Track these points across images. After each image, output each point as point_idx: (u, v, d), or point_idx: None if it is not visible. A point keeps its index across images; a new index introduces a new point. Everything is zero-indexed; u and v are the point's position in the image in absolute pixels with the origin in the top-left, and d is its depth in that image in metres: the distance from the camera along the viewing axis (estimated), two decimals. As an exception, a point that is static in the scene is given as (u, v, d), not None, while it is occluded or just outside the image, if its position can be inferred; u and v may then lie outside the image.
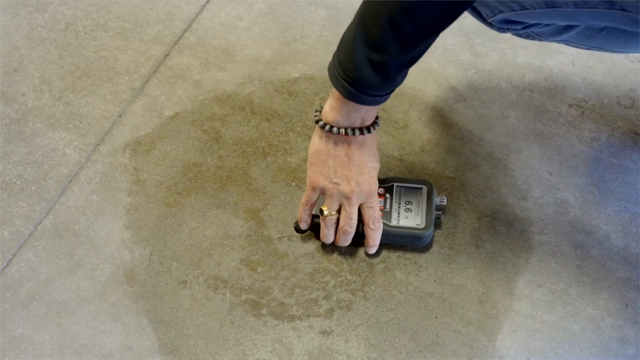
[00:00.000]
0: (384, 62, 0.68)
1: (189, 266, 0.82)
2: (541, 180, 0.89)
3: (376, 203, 0.79)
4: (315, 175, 0.78)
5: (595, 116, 0.96)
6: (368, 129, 0.75)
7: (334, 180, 0.77)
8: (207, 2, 1.09)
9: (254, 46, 1.04)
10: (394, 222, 0.81)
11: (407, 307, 0.79)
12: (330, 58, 0.73)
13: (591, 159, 0.92)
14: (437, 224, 0.84)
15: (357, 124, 0.74)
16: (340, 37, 0.71)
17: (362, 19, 0.67)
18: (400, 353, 0.76)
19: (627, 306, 0.79)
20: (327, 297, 0.80)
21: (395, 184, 0.84)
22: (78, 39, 1.04)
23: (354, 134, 0.74)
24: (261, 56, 1.02)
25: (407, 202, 0.83)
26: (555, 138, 0.94)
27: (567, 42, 0.85)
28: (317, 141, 0.77)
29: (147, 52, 1.03)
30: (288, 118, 0.95)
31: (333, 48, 0.73)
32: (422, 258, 0.82)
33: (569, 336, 0.77)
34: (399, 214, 0.82)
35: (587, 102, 0.97)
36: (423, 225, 0.81)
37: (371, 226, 0.79)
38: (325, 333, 0.77)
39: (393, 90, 0.73)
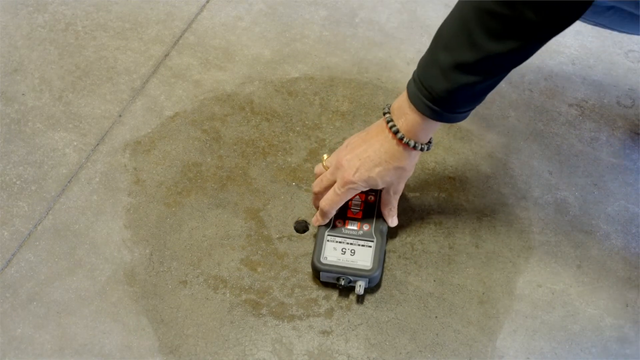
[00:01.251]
0: (472, 61, 0.65)
1: (189, 266, 0.82)
2: (541, 180, 0.89)
3: (342, 192, 0.76)
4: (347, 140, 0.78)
5: (595, 116, 0.96)
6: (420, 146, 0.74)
7: (349, 146, 0.76)
8: (207, 2, 1.09)
9: (254, 46, 1.04)
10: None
11: (407, 307, 0.79)
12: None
13: (591, 159, 0.92)
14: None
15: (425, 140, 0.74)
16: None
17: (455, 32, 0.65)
18: (400, 353, 0.76)
19: (627, 306, 0.79)
20: (327, 297, 0.80)
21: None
22: (78, 39, 1.04)
23: (414, 147, 0.73)
24: (261, 56, 1.02)
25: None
26: (555, 138, 0.94)
27: None
28: (379, 136, 0.75)
29: (147, 52, 1.03)
30: (288, 118, 0.95)
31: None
32: (422, 258, 0.82)
33: (569, 336, 0.77)
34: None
35: (587, 102, 0.97)
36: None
37: (322, 203, 0.78)
38: (325, 333, 0.77)
39: (473, 108, 0.71)
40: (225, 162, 0.91)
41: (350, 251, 0.79)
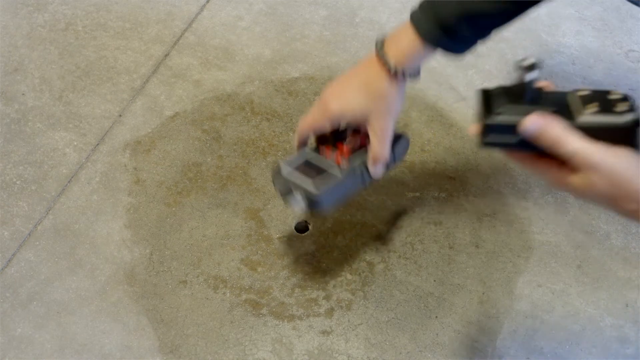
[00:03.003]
0: None
1: (189, 266, 0.82)
2: (541, 180, 0.89)
3: (318, 115, 0.73)
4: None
5: (595, 116, 0.96)
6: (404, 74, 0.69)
7: (335, 80, 0.74)
8: (207, 2, 1.09)
9: (254, 46, 1.04)
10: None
11: (407, 307, 0.79)
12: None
13: (591, 158, 0.92)
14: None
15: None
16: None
17: None
18: (400, 353, 0.76)
19: (627, 306, 0.79)
20: (327, 297, 0.80)
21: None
22: (78, 38, 1.04)
23: (397, 73, 0.68)
24: (261, 56, 1.02)
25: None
26: (555, 138, 0.94)
27: None
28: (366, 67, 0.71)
29: (147, 52, 1.03)
30: (288, 118, 0.95)
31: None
32: (422, 258, 0.83)
33: (569, 336, 0.77)
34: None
35: (587, 102, 0.97)
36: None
37: (299, 123, 0.75)
38: (325, 333, 0.77)
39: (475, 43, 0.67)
40: (225, 162, 0.91)
41: (312, 173, 0.73)
